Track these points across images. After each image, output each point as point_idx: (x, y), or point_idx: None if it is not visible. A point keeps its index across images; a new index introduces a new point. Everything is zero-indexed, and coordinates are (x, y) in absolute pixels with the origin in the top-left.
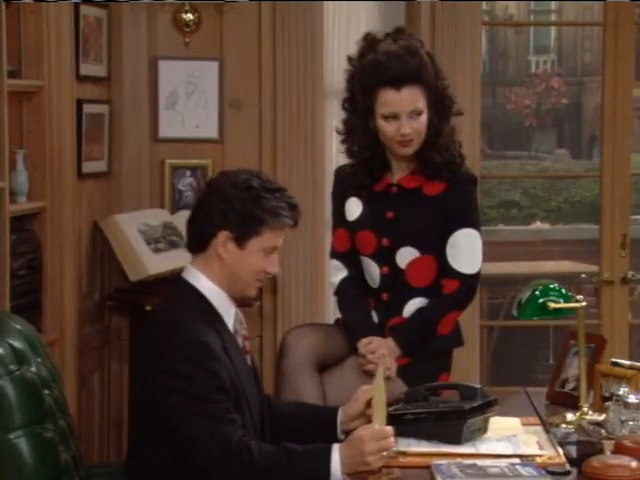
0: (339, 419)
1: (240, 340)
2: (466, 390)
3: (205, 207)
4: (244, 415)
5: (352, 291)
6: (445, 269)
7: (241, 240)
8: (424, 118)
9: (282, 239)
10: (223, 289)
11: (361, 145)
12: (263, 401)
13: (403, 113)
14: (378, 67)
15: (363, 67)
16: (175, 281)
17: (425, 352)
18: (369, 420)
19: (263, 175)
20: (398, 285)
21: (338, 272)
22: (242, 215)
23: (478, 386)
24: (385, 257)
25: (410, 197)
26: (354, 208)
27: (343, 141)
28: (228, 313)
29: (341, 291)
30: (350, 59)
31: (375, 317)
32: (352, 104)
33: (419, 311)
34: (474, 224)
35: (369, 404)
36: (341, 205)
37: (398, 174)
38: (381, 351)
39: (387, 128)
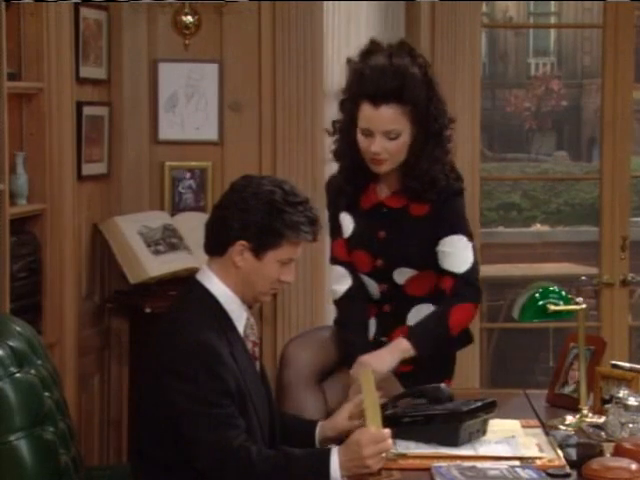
0: (317, 436)
1: (250, 345)
2: (430, 392)
3: (225, 213)
4: (251, 421)
5: (356, 306)
6: (438, 271)
7: (258, 251)
8: (402, 140)
9: (299, 251)
10: (237, 294)
11: (344, 150)
12: (273, 407)
13: (377, 131)
14: (362, 79)
15: (354, 73)
16: (188, 282)
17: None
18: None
19: (286, 185)
20: (399, 298)
21: (343, 280)
22: (261, 228)
23: (441, 385)
24: (382, 276)
25: (398, 217)
26: (347, 225)
27: (333, 142)
28: (239, 317)
29: (345, 302)
30: (348, 61)
31: (374, 325)
32: (344, 107)
33: (430, 313)
34: (460, 231)
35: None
36: (336, 215)
37: (384, 192)
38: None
39: (362, 142)
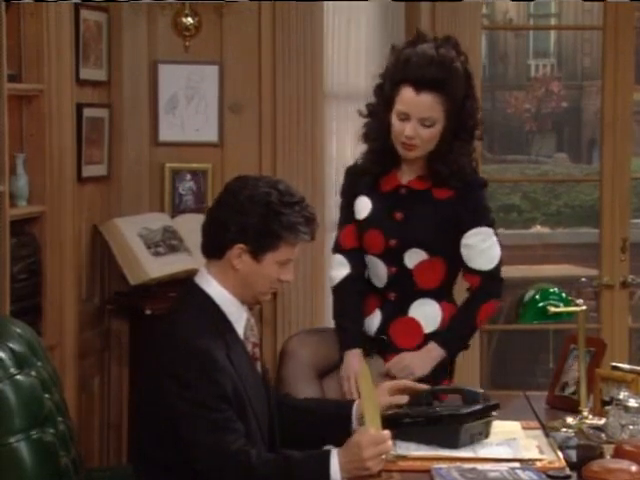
0: (355, 413)
1: (250, 347)
2: (469, 394)
3: (221, 216)
4: (249, 424)
5: (352, 296)
6: (464, 268)
7: (257, 254)
8: (436, 129)
9: (297, 251)
10: (236, 296)
11: (375, 133)
12: (273, 408)
13: (414, 116)
14: (408, 64)
15: (398, 59)
16: (187, 285)
17: None
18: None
19: (281, 185)
20: (405, 285)
21: (341, 268)
22: (259, 231)
23: (481, 391)
24: (393, 258)
25: (419, 198)
26: (363, 207)
27: (364, 125)
28: (239, 319)
29: (341, 290)
30: (393, 47)
31: (379, 316)
32: (380, 91)
33: (457, 312)
34: (485, 223)
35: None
36: (350, 203)
37: (407, 176)
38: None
39: (396, 126)
